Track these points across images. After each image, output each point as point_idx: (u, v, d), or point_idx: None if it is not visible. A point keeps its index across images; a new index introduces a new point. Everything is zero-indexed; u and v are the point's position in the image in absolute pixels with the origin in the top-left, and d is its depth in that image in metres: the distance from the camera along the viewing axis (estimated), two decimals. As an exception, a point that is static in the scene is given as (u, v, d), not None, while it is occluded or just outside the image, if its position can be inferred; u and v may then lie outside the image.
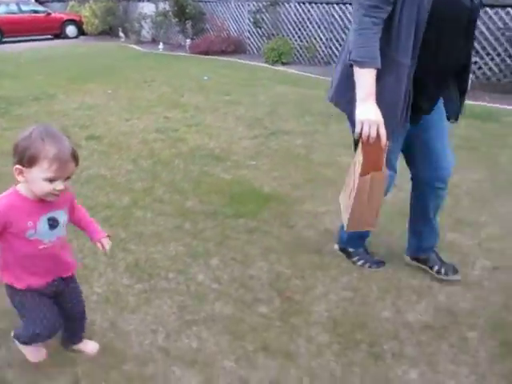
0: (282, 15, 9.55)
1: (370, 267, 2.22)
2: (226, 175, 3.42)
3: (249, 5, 10.21)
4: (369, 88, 1.68)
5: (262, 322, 1.88)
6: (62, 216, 1.47)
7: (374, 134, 1.68)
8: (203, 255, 2.35)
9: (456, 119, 1.96)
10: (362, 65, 1.65)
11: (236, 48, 10.68)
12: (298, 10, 9.21)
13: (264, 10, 9.81)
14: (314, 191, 3.11)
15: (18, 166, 1.34)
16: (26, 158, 1.32)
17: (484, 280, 2.14)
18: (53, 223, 1.44)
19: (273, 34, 9.83)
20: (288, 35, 9.43)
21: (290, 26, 9.47)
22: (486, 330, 1.83)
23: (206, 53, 10.18)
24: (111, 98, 6.01)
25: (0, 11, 14.31)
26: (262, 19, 9.81)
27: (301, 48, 9.19)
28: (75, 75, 7.46)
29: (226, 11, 11.13)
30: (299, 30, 9.29)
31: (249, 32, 10.59)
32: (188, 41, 11.05)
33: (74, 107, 5.57)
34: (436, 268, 2.12)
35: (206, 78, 7.15)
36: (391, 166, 1.94)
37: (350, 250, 2.27)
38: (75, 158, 1.36)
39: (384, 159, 1.75)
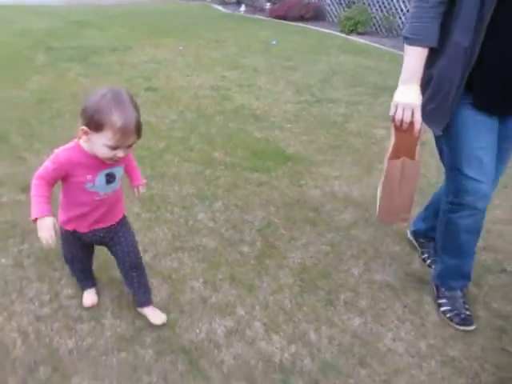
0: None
1: (428, 265, 2.11)
2: (258, 134, 3.62)
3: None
4: (413, 68, 1.55)
5: (238, 259, 2.12)
6: (119, 171, 1.53)
7: (407, 118, 1.57)
8: (210, 198, 2.61)
9: None
10: (410, 42, 1.53)
11: (315, 14, 10.53)
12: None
13: (346, -23, 9.57)
14: (335, 157, 3.23)
15: (84, 128, 1.37)
16: (93, 123, 1.34)
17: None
18: (109, 179, 1.50)
19: (353, 2, 9.58)
20: (368, 4, 9.16)
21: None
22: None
23: (284, 17, 10.20)
24: (180, 54, 6.35)
25: None
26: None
27: (380, 18, 8.91)
28: (154, 31, 7.89)
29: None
30: (381, -1, 8.99)
31: (329, -3, 10.41)
32: (268, 4, 11.10)
33: (144, 60, 5.97)
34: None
35: (273, 42, 7.26)
36: (452, 178, 1.71)
37: (422, 240, 2.21)
38: (139, 131, 1.37)
39: (418, 147, 1.66)
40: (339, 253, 2.21)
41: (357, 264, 2.14)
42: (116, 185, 1.54)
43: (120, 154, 1.39)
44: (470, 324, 1.76)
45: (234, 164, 3.05)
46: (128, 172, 1.67)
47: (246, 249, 2.19)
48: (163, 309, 1.76)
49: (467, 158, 1.61)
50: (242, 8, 11.48)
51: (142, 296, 1.71)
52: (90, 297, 1.78)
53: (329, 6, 10.45)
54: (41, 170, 1.43)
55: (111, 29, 8.33)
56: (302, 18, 10.29)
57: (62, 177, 1.44)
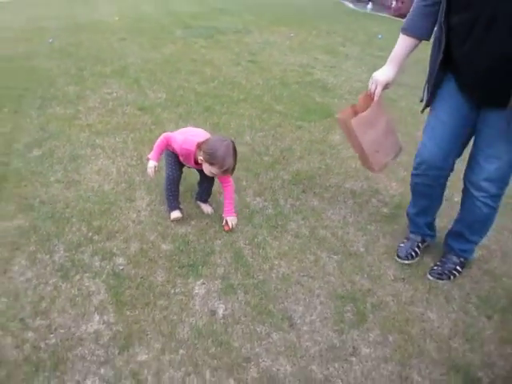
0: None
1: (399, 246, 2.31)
2: (319, 99, 4.53)
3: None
4: (395, 52, 1.90)
5: (262, 160, 3.13)
6: None
7: (371, 89, 1.95)
8: (257, 128, 3.64)
9: None
10: (401, 31, 1.86)
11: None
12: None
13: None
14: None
15: (201, 158, 2.13)
16: (209, 159, 2.10)
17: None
18: (197, 169, 2.38)
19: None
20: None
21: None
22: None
23: (405, 16, 10.60)
24: (289, 39, 7.40)
25: None
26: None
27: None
28: (276, 19, 9.03)
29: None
30: None
31: None
32: (394, 3, 11.57)
33: (257, 41, 7.14)
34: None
35: (379, 36, 7.94)
36: (426, 130, 1.98)
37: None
38: (233, 170, 2.15)
39: (367, 113, 1.99)
40: (330, 166, 3.08)
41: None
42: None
43: (216, 177, 2.26)
44: (405, 258, 2.21)
45: (287, 114, 4.02)
46: (224, 197, 2.36)
47: (266, 158, 3.18)
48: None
49: (428, 123, 1.95)
50: (369, 6, 12.09)
51: (204, 196, 2.54)
52: (176, 213, 2.42)
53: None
54: (171, 137, 2.25)
55: (242, 16, 9.68)
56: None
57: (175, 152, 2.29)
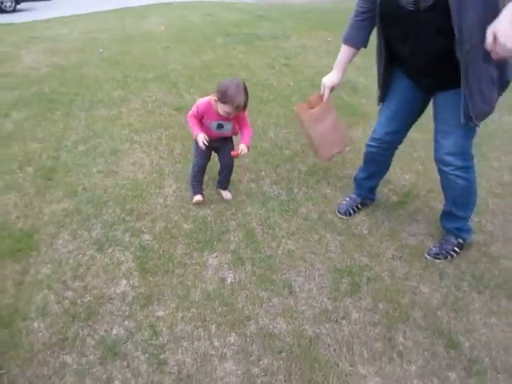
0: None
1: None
2: (347, 98, 4.72)
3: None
4: (338, 60, 2.26)
5: (268, 145, 3.38)
6: (227, 124, 2.46)
7: (322, 91, 2.34)
8: (280, 126, 3.90)
9: (471, 119, 1.90)
10: (342, 42, 2.21)
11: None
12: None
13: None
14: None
15: (215, 98, 2.28)
16: (221, 97, 2.25)
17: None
18: (220, 126, 2.46)
19: None
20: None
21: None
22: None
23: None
24: (326, 43, 7.61)
25: None
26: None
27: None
28: (315, 25, 9.24)
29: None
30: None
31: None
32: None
33: (294, 45, 7.40)
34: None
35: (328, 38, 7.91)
36: (380, 116, 2.33)
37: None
38: (245, 108, 2.29)
39: (316, 110, 2.33)
40: (347, 159, 3.28)
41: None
42: (225, 131, 2.49)
43: (231, 115, 2.34)
44: (344, 214, 2.60)
45: (312, 112, 4.25)
46: (241, 132, 2.52)
47: (286, 152, 3.42)
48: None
49: (382, 109, 2.31)
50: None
51: (224, 183, 2.80)
52: (198, 197, 2.69)
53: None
54: (191, 112, 2.45)
55: (282, 22, 9.97)
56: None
57: (200, 116, 2.44)
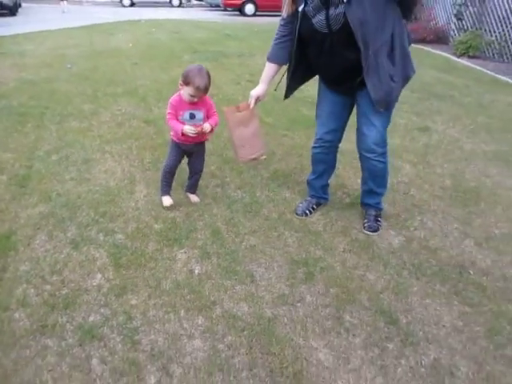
0: (488, 9, 9.73)
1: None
2: (307, 112, 5.04)
3: (460, -4, 10.62)
4: (263, 75, 2.62)
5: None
6: (198, 113, 2.62)
7: (249, 101, 2.61)
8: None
9: (380, 106, 2.38)
10: (267, 59, 2.59)
11: (437, 38, 11.30)
12: (503, 5, 9.18)
13: (469, 4, 10.21)
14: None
15: (180, 82, 2.51)
16: (184, 79, 2.48)
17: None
18: (192, 116, 2.63)
19: (477, 28, 10.09)
20: (485, 29, 9.63)
21: (492, 20, 9.52)
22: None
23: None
24: (288, 60, 7.98)
25: None
26: (466, 11, 10.20)
27: (492, 44, 9.36)
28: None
29: (440, 1, 11.76)
30: (501, 25, 9.29)
31: (454, 24, 11.08)
32: (395, 27, 12.15)
33: (259, 63, 7.68)
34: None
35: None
36: (317, 119, 2.76)
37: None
38: (206, 90, 2.49)
39: (241, 114, 2.62)
40: (306, 166, 3.57)
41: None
42: (198, 121, 2.63)
43: (196, 98, 2.54)
44: (301, 215, 2.87)
45: (275, 125, 4.56)
46: (208, 117, 2.70)
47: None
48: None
49: (317, 113, 2.74)
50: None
51: (193, 188, 3.01)
52: (168, 199, 2.89)
53: (453, 30, 11.12)
54: (167, 114, 2.63)
55: (248, 41, 10.37)
56: (423, 41, 11.13)
57: (175, 111, 2.61)
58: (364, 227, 2.76)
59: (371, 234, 2.72)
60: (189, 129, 2.59)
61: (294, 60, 2.51)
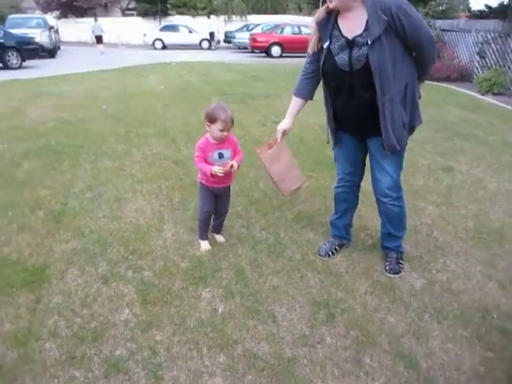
0: (511, 46, 9.83)
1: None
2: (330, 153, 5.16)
3: (482, 35, 10.82)
4: (289, 109, 2.73)
5: (258, 195, 3.75)
6: (226, 152, 2.73)
7: (276, 134, 2.74)
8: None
9: (389, 151, 2.46)
10: (293, 93, 2.72)
11: (461, 76, 11.43)
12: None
13: (491, 42, 10.34)
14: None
15: (207, 123, 2.62)
16: (210, 118, 2.60)
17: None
18: (220, 155, 2.73)
19: (500, 65, 10.19)
20: (509, 67, 9.70)
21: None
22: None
23: (429, 78, 11.37)
24: (313, 102, 8.19)
25: (286, 31, 18.67)
26: (488, 49, 10.33)
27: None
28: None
29: (462, 40, 11.96)
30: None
31: (478, 62, 11.22)
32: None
33: (284, 104, 7.95)
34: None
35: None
36: (337, 161, 2.84)
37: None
38: (233, 121, 2.62)
39: (272, 150, 2.72)
40: (330, 208, 3.65)
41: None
42: (226, 160, 2.72)
43: (225, 133, 2.64)
44: (324, 256, 2.91)
45: (300, 165, 4.66)
46: (234, 155, 2.80)
47: (275, 201, 3.80)
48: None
49: (336, 156, 2.82)
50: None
51: (218, 228, 3.12)
52: (207, 244, 2.98)
53: (476, 68, 11.25)
54: (196, 158, 2.74)
55: (275, 82, 10.71)
56: (447, 79, 11.28)
57: (203, 154, 2.71)
58: (385, 270, 2.78)
59: (393, 276, 2.74)
60: (218, 169, 2.69)
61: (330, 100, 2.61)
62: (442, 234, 3.32)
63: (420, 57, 2.42)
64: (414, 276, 2.80)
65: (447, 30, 12.87)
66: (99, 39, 20.63)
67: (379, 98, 2.34)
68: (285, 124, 2.75)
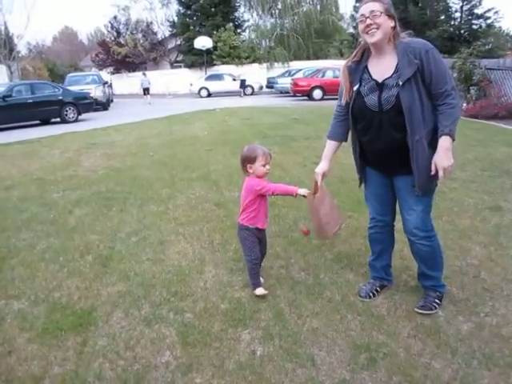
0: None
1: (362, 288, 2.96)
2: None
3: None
4: (325, 152, 2.75)
5: (297, 235, 3.77)
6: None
7: (315, 177, 2.73)
8: (309, 219, 4.33)
9: (420, 190, 2.48)
10: (327, 137, 2.77)
11: (509, 114, 11.18)
12: None
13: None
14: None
15: (249, 166, 2.71)
16: (250, 159, 2.70)
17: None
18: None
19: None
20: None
21: None
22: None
23: (476, 116, 11.19)
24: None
25: (327, 75, 19.03)
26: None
27: None
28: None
29: (509, 78, 11.74)
30: None
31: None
32: (465, 105, 12.21)
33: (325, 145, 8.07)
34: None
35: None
36: (368, 201, 2.87)
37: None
38: (270, 155, 2.75)
39: (318, 195, 2.71)
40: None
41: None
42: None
43: (268, 165, 2.74)
44: (365, 297, 2.86)
45: (339, 206, 4.64)
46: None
47: (314, 241, 3.81)
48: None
49: (367, 196, 2.86)
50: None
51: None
52: (262, 290, 2.92)
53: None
54: (266, 186, 2.75)
55: (316, 124, 10.86)
56: (495, 117, 11.07)
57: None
58: (416, 306, 2.73)
59: (420, 311, 2.71)
60: (304, 191, 2.74)
61: (357, 141, 2.68)
62: (491, 276, 3.18)
63: (443, 104, 2.38)
64: (461, 319, 2.69)
65: (493, 69, 12.72)
66: (147, 91, 22.24)
67: (409, 137, 2.37)
68: (322, 167, 2.78)
